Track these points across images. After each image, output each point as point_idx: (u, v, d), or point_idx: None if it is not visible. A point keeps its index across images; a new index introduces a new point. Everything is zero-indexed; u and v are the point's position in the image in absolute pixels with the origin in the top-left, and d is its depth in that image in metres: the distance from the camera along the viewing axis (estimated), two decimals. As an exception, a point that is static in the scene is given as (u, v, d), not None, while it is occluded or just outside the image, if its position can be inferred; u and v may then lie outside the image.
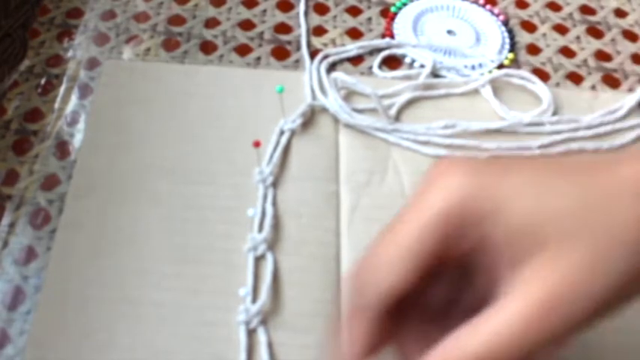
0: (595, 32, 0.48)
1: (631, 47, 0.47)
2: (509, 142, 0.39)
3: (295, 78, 0.42)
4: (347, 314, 0.25)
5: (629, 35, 0.48)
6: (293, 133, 0.39)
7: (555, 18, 0.48)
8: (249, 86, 0.41)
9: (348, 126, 0.39)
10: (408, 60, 0.44)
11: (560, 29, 0.48)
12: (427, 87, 0.42)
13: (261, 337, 0.31)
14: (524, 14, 0.48)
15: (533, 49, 0.46)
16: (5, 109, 0.40)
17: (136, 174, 0.37)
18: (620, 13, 0.49)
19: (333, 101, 0.40)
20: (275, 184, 0.37)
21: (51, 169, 0.38)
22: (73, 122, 0.40)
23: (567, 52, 0.46)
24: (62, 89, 0.42)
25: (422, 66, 0.43)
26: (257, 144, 0.36)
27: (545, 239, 0.21)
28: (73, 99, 0.41)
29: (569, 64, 0.45)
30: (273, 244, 0.35)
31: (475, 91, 0.42)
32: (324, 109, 0.40)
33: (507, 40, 0.46)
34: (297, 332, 0.32)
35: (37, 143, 0.39)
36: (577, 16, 0.49)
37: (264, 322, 0.32)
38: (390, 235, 0.24)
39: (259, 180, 0.36)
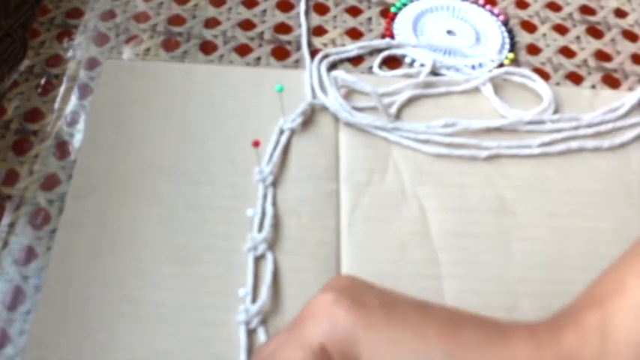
0: (595, 32, 0.48)
1: (631, 47, 0.47)
2: (510, 140, 0.39)
3: (295, 77, 0.42)
4: None
5: (629, 35, 0.48)
6: (293, 132, 0.39)
7: (555, 18, 0.48)
8: (249, 85, 0.41)
9: (348, 125, 0.40)
10: (408, 60, 0.44)
11: (560, 29, 0.48)
12: (427, 85, 0.42)
13: (261, 336, 0.31)
14: (524, 14, 0.48)
15: (533, 49, 0.46)
16: (5, 109, 0.40)
17: (135, 174, 0.37)
18: (620, 13, 0.49)
19: (333, 100, 0.40)
20: (275, 184, 0.37)
21: (51, 169, 0.38)
22: (72, 122, 0.40)
23: (567, 52, 0.46)
24: (62, 89, 0.42)
25: (422, 65, 0.43)
26: (256, 144, 0.36)
27: None
28: (73, 99, 0.41)
29: (569, 64, 0.45)
30: (273, 243, 0.35)
31: (476, 89, 0.42)
32: (324, 108, 0.40)
33: (507, 40, 0.46)
34: None
35: (37, 143, 0.39)
36: (577, 16, 0.49)
37: (264, 322, 0.32)
38: None
39: (259, 179, 0.36)
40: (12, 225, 0.35)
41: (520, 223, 0.36)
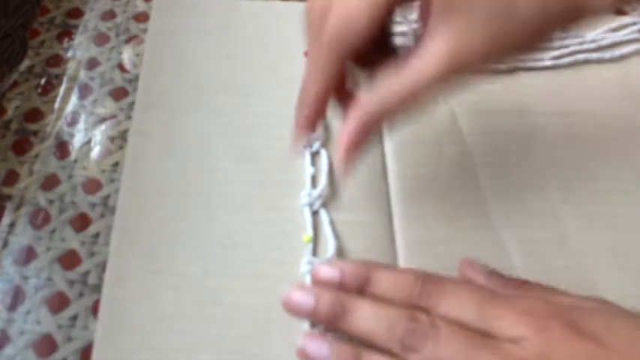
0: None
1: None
2: (524, 56, 0.43)
3: None
4: (312, 53, 0.29)
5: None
6: None
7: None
8: (292, 15, 0.45)
9: None
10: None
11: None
12: None
13: (324, 217, 0.35)
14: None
15: None
16: (5, 109, 0.40)
17: (194, 89, 0.41)
18: (620, 13, 0.49)
19: None
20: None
21: (51, 169, 0.38)
22: (72, 122, 0.40)
23: None
24: (62, 89, 0.42)
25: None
26: (307, 54, 0.39)
27: None
28: (73, 99, 0.41)
29: None
30: (325, 141, 0.38)
31: None
32: None
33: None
34: (354, 212, 0.36)
35: (37, 143, 0.39)
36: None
37: (324, 204, 0.36)
38: None
39: None
40: (12, 225, 0.35)
41: (539, 122, 0.41)
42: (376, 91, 0.28)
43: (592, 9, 0.26)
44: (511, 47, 0.27)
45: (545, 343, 0.25)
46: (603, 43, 0.45)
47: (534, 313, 0.26)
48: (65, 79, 0.42)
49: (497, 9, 0.26)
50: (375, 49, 0.29)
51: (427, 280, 0.28)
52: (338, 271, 0.29)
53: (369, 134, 0.29)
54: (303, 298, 0.28)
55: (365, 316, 0.27)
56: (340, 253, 0.34)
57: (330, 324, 0.28)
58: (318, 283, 0.30)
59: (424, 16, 0.28)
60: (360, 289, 0.28)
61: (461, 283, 0.29)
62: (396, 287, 0.28)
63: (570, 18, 0.27)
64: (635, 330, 0.25)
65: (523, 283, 0.30)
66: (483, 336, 0.26)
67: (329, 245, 0.34)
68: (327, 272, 0.29)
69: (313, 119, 0.31)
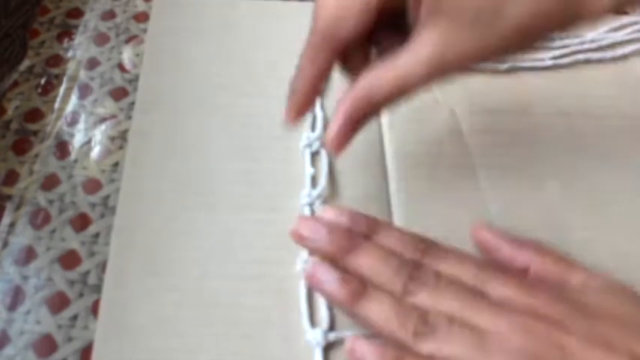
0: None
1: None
2: (524, 55, 0.44)
3: None
4: (307, 41, 0.30)
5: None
6: None
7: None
8: (292, 15, 0.46)
9: None
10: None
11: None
12: None
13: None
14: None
15: None
16: (5, 109, 0.40)
17: (194, 90, 0.41)
18: (620, 14, 0.49)
19: None
20: (322, 94, 0.41)
21: (51, 169, 0.38)
22: (73, 122, 0.40)
23: None
24: (62, 89, 0.42)
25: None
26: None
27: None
28: (73, 99, 0.41)
29: None
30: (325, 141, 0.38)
31: None
32: None
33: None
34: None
35: (37, 143, 0.39)
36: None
37: (324, 205, 0.36)
38: None
39: None
40: (12, 225, 0.35)
41: (539, 122, 0.41)
42: (364, 84, 0.29)
43: (588, 13, 0.26)
44: (501, 48, 0.27)
45: (532, 302, 0.26)
46: (603, 43, 0.45)
47: (531, 284, 0.28)
48: (65, 79, 0.42)
49: (486, 10, 0.26)
50: (388, 27, 0.30)
51: (432, 243, 0.29)
52: (347, 215, 0.30)
53: (357, 124, 0.30)
54: (313, 230, 0.29)
55: (372, 255, 0.28)
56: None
57: (335, 259, 0.28)
58: (324, 223, 0.30)
59: (416, 7, 0.28)
60: (367, 237, 0.29)
61: (464, 253, 0.30)
62: (402, 243, 0.29)
63: (565, 22, 0.27)
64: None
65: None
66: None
67: None
68: (335, 215, 0.30)
69: (301, 106, 0.31)
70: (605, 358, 0.24)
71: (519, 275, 0.29)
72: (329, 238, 0.29)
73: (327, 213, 0.30)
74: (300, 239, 0.30)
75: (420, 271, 0.28)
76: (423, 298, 0.27)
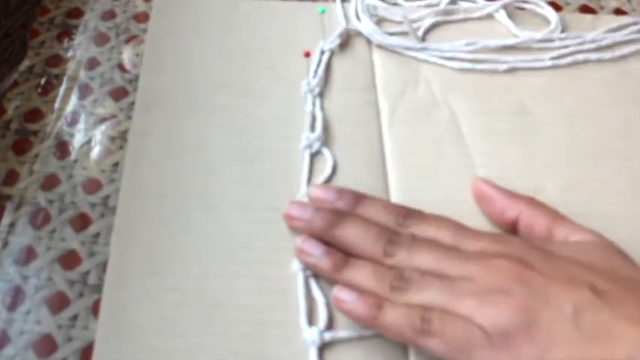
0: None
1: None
2: (524, 56, 0.44)
3: (331, 8, 0.47)
4: None
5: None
6: (332, 53, 0.44)
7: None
8: (291, 15, 0.46)
9: (381, 47, 0.44)
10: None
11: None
12: (447, 13, 0.47)
13: None
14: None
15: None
16: (5, 109, 0.40)
17: (195, 90, 0.41)
18: (620, 13, 0.49)
19: (367, 25, 0.45)
20: (321, 94, 0.41)
21: (51, 169, 0.38)
22: (73, 122, 0.40)
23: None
24: (62, 89, 0.42)
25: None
26: (307, 54, 0.43)
27: None
28: (73, 99, 0.41)
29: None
30: (325, 141, 0.39)
31: (490, 16, 0.47)
32: (358, 34, 0.45)
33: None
34: None
35: (37, 143, 0.39)
36: (577, 15, 0.49)
37: None
38: None
39: (307, 90, 0.41)
40: (12, 225, 0.35)
41: (539, 121, 0.41)
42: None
43: None
44: None
45: (502, 249, 0.29)
46: (603, 43, 0.45)
47: (505, 239, 0.30)
48: (65, 79, 0.42)
49: None
50: None
51: (413, 210, 0.33)
52: (332, 192, 0.34)
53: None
54: (302, 211, 0.33)
55: (356, 226, 0.31)
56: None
57: (324, 234, 0.32)
58: (313, 201, 0.34)
59: None
60: (350, 210, 0.33)
61: (443, 217, 0.32)
62: (383, 212, 0.32)
63: None
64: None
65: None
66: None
67: None
68: (321, 193, 0.34)
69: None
70: (566, 290, 0.26)
71: (510, 226, 0.33)
72: (317, 215, 0.32)
73: (314, 191, 0.34)
74: (290, 220, 0.33)
75: (398, 236, 0.31)
76: (401, 257, 0.29)
